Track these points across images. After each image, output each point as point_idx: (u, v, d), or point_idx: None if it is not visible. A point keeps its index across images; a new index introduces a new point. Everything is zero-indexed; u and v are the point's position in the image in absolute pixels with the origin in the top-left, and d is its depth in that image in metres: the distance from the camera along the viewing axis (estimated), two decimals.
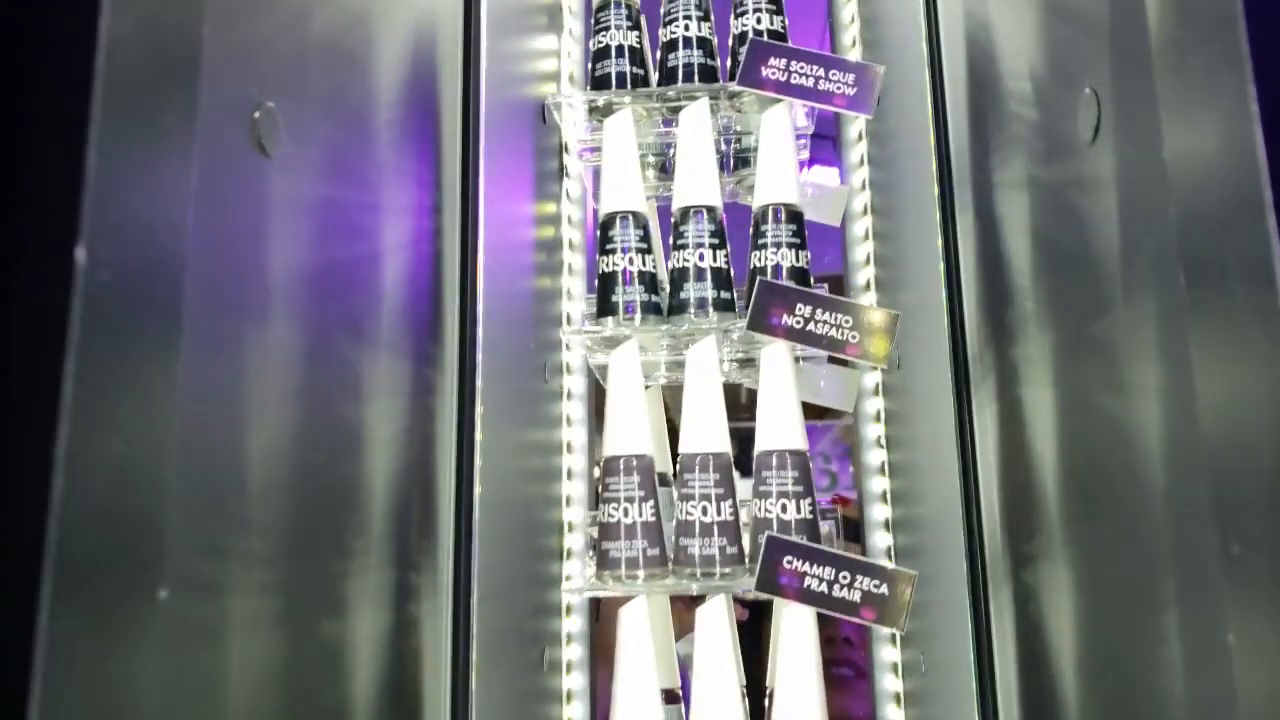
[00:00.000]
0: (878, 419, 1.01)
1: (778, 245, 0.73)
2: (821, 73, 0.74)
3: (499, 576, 0.78)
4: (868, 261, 1.01)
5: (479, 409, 0.80)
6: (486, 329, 0.81)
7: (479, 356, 0.80)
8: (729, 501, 0.69)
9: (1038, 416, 0.66)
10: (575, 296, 1.05)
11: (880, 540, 0.96)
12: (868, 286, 1.00)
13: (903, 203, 0.92)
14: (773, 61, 0.74)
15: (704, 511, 0.69)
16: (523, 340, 0.91)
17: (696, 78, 0.77)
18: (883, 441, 1.00)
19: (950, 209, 0.80)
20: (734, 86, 0.75)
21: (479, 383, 0.80)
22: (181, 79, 0.43)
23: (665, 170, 0.92)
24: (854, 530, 1.04)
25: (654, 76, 0.81)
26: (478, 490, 0.79)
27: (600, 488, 0.72)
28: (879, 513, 0.98)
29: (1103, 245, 0.53)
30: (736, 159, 0.90)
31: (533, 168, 1.00)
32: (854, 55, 1.03)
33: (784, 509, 0.68)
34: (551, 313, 1.03)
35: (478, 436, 0.80)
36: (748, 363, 0.87)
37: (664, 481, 0.89)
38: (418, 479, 0.74)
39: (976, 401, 0.76)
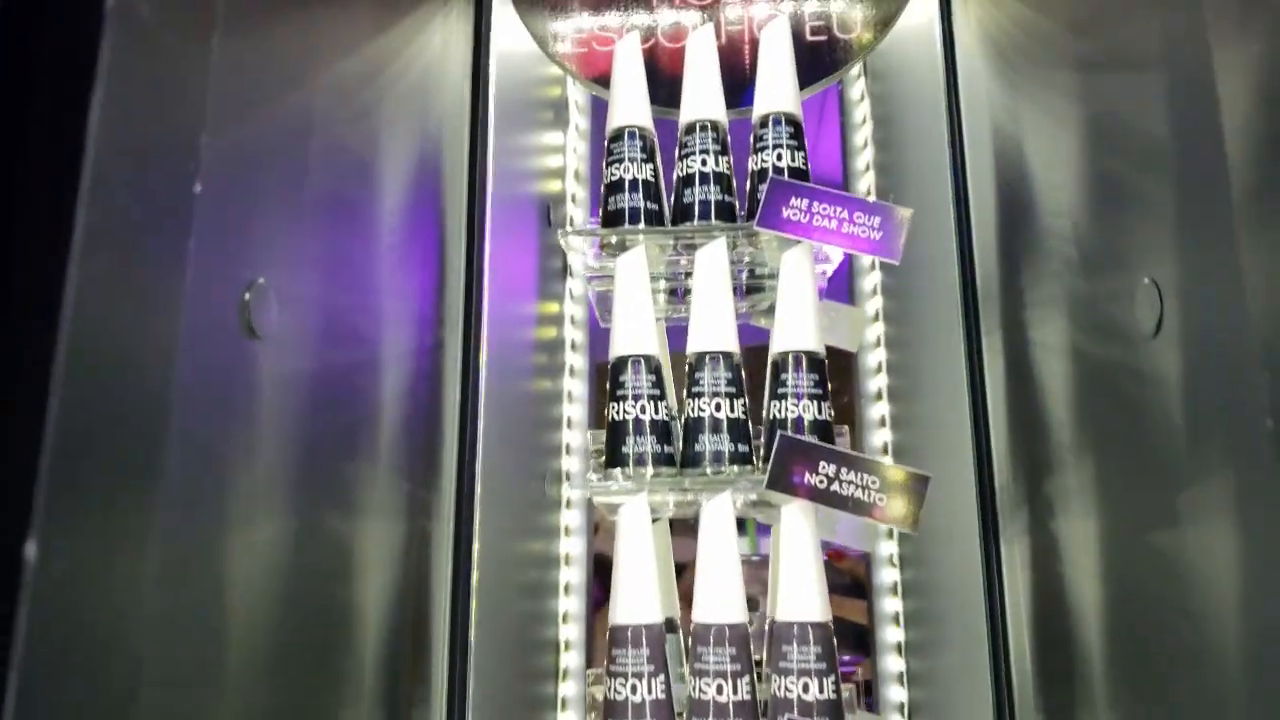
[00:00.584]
0: (890, 535, 0.96)
1: (798, 396, 0.69)
2: (845, 215, 0.71)
3: (494, 707, 0.73)
4: (879, 397, 0.97)
5: (477, 518, 0.75)
6: (486, 450, 0.76)
7: (479, 475, 0.75)
8: (745, 679, 0.64)
9: (1079, 580, 0.61)
10: (576, 399, 1.01)
11: (891, 635, 0.92)
12: (883, 423, 0.96)
13: (920, 339, 0.88)
14: (794, 202, 0.71)
15: (719, 690, 0.63)
16: (521, 442, 0.87)
17: (713, 215, 0.74)
18: (895, 560, 0.95)
19: (979, 363, 0.76)
20: (753, 227, 0.72)
21: (478, 492, 0.76)
22: (167, 269, 0.39)
23: (675, 294, 0.89)
24: (858, 589, 1.02)
25: (668, 209, 0.78)
26: (474, 609, 0.74)
27: (607, 659, 0.66)
28: (890, 607, 0.94)
29: (1166, 438, 0.49)
30: (749, 286, 0.86)
31: (536, 266, 0.96)
32: (866, 156, 1.00)
33: (805, 689, 0.63)
34: (552, 415, 0.99)
35: (475, 548, 0.75)
36: (763, 504, 0.82)
37: (671, 628, 0.83)
38: (411, 612, 0.68)
39: (1002, 522, 0.71)
